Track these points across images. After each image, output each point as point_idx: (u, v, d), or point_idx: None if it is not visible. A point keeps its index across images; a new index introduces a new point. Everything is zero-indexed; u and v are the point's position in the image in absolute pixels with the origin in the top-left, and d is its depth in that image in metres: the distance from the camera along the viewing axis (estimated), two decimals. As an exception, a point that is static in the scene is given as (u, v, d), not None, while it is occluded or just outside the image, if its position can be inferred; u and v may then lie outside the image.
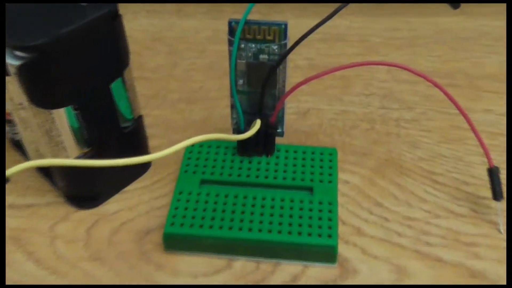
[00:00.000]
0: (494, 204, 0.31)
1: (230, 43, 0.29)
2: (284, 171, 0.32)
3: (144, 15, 0.48)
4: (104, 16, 0.26)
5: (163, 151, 0.26)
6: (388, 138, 0.36)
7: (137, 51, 0.43)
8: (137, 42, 0.45)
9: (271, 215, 0.30)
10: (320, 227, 0.29)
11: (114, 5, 0.27)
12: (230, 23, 0.29)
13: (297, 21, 0.45)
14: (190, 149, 0.33)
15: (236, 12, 0.46)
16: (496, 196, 0.30)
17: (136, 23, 0.47)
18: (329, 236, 0.29)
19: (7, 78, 0.26)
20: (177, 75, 0.42)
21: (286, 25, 0.28)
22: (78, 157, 0.29)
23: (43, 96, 0.27)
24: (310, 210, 0.30)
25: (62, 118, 0.28)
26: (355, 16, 0.47)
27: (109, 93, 0.29)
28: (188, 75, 0.42)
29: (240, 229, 0.29)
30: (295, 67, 0.42)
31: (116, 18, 0.27)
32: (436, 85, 0.28)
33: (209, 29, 0.46)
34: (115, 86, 0.29)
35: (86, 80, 0.27)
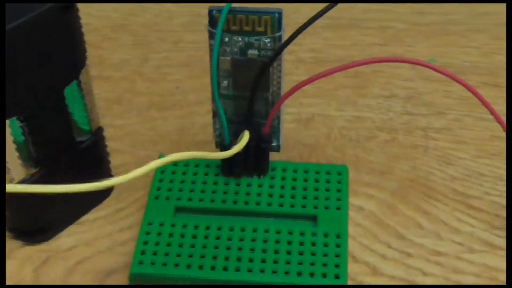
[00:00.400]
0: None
1: (211, 35, 0.30)
2: (281, 196, 0.34)
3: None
4: (53, 8, 0.28)
5: (128, 175, 0.28)
6: (413, 152, 0.38)
7: (96, 43, 0.45)
8: (95, 31, 0.47)
9: (264, 251, 0.32)
10: (325, 265, 0.31)
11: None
12: (210, 11, 0.30)
13: (297, 5, 0.48)
14: (162, 169, 0.35)
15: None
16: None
17: (94, 7, 0.49)
18: (337, 276, 0.31)
19: None
20: (146, 73, 0.44)
21: (280, 13, 0.30)
22: (24, 180, 0.31)
23: (-19, 106, 0.29)
24: (313, 244, 0.32)
25: (5, 131, 0.29)
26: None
27: (62, 100, 0.31)
28: (160, 73, 0.44)
29: (225, 268, 0.31)
30: (297, 61, 0.44)
31: (68, 9, 0.29)
32: (466, 86, 0.30)
33: (186, 13, 0.48)
34: (69, 92, 0.31)
35: (34, 86, 0.29)
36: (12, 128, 0.30)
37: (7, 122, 0.29)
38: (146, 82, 0.43)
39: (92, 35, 0.45)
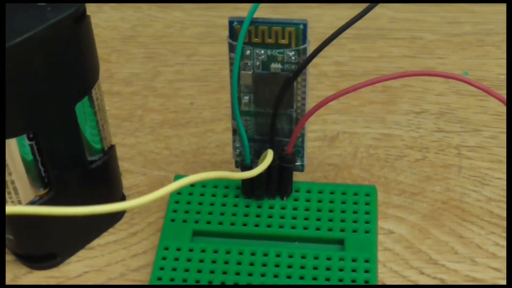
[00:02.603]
0: None
1: (232, 48, 0.32)
2: (306, 219, 0.35)
3: (112, 6, 0.51)
4: (65, 20, 0.30)
5: (143, 198, 0.28)
6: (445, 172, 0.39)
7: (105, 57, 0.47)
8: (104, 43, 0.48)
9: (289, 277, 0.33)
10: (353, 292, 0.32)
11: (80, 4, 0.30)
12: (231, 22, 0.31)
13: (322, 11, 0.49)
14: (178, 190, 0.36)
15: (237, 7, 0.50)
16: None
17: (102, 18, 0.51)
18: (366, 304, 0.32)
19: None
20: (158, 88, 0.45)
21: (305, 25, 0.31)
22: (33, 201, 0.33)
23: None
24: (341, 270, 0.33)
25: (14, 150, 0.31)
26: (402, 4, 0.50)
27: (73, 118, 0.32)
28: (173, 88, 0.45)
29: (247, 295, 0.32)
30: (320, 75, 0.45)
31: (81, 21, 0.31)
32: (502, 100, 0.31)
33: (200, 23, 0.50)
34: (81, 108, 0.32)
35: (44, 102, 0.31)
36: (20, 147, 0.31)
37: (15, 140, 0.31)
38: (158, 98, 0.44)
39: (100, 47, 0.46)
